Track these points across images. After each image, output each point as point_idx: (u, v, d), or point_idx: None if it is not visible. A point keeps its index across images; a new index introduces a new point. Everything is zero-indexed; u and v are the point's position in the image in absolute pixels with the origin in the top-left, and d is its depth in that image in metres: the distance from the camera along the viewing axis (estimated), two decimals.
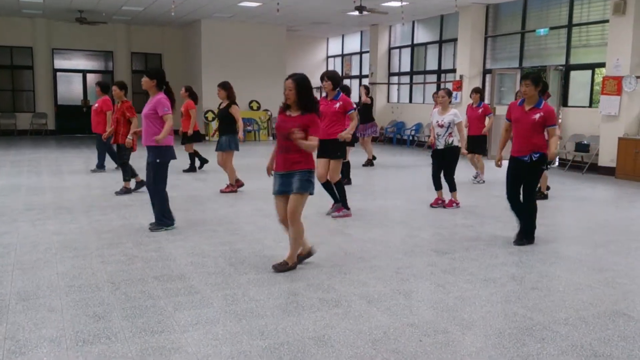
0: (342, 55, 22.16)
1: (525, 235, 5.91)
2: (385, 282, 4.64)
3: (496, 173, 8.23)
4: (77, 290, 4.29)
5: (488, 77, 15.07)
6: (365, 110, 12.25)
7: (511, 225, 6.84)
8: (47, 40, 18.62)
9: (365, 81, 20.17)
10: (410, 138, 17.36)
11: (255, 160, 11.99)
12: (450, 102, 7.81)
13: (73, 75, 19.76)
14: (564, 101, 13.11)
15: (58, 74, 19.27)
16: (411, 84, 18.50)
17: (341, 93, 7.01)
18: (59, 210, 7.18)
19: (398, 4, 14.26)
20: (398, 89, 19.25)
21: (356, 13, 14.09)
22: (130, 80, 19.22)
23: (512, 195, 5.94)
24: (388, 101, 19.30)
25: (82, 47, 19.19)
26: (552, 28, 13.30)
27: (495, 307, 4.12)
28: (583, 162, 12.07)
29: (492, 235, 6.32)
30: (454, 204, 7.82)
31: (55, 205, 7.48)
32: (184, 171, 10.68)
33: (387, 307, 4.06)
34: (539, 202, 7.79)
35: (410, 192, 9.12)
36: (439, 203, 7.86)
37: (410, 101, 18.54)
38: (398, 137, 18.01)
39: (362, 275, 4.78)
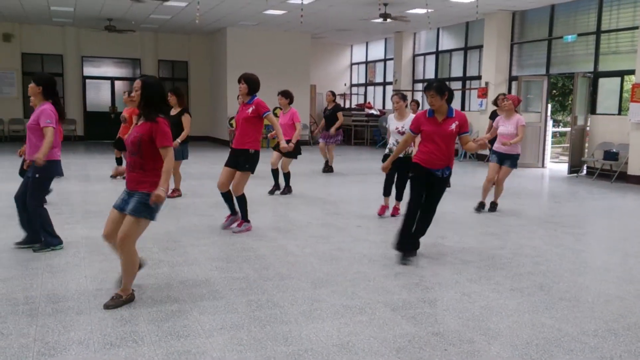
0: (366, 62, 22.17)
1: (415, 244, 5.59)
2: (410, 290, 4.61)
3: (520, 182, 8.14)
4: (105, 293, 4.35)
5: (514, 84, 14.92)
6: (332, 117, 11.95)
7: (539, 233, 6.76)
8: (77, 48, 19.01)
9: (389, 88, 20.16)
10: None
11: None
12: (406, 106, 7.45)
13: (101, 83, 20.11)
14: (592, 109, 12.90)
15: (87, 81, 19.63)
16: None
17: (256, 97, 6.39)
18: (87, 215, 7.29)
19: (423, 11, 14.23)
20: (422, 96, 19.16)
21: (380, 20, 14.10)
22: None
23: (417, 208, 5.48)
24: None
25: (110, 54, 19.53)
26: (580, 34, 13.12)
27: (522, 317, 4.06)
28: (612, 171, 11.84)
29: (518, 243, 6.23)
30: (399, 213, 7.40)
31: (83, 210, 7.61)
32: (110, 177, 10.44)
33: (412, 316, 4.03)
34: (469, 216, 7.74)
35: None
36: (385, 212, 7.57)
37: None
38: None
39: (386, 283, 4.76)
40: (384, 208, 7.60)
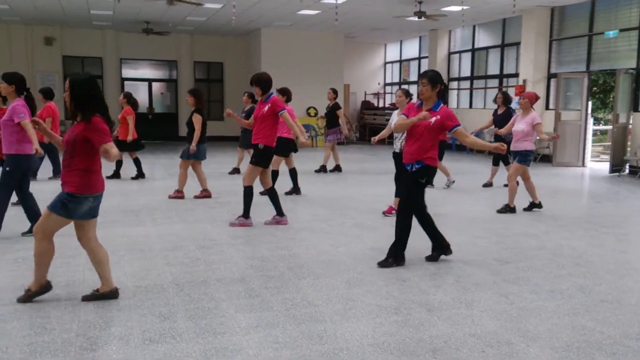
0: (400, 61, 22.02)
1: (390, 254, 5.18)
2: (446, 290, 4.56)
3: (560, 182, 7.95)
4: (144, 290, 4.44)
5: (553, 81, 14.61)
6: (331, 115, 11.76)
7: (579, 234, 6.60)
8: (116, 51, 19.45)
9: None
10: None
11: (312, 166, 12.07)
12: (408, 101, 7.07)
13: (139, 84, 20.52)
14: (634, 106, 12.53)
15: (125, 82, 20.05)
16: (471, 89, 18.17)
17: (272, 95, 6.61)
18: (125, 214, 7.45)
19: (459, 8, 14.06)
20: (458, 94, 18.94)
21: (415, 18, 13.99)
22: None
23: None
24: (447, 106, 19.01)
25: (148, 56, 19.92)
26: (621, 30, 12.75)
27: (562, 319, 3.97)
28: None
29: (558, 244, 6.10)
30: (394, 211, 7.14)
31: (121, 209, 7.77)
32: (132, 178, 10.56)
33: (448, 316, 3.99)
34: (507, 216, 7.54)
35: (469, 199, 8.94)
36: (392, 212, 7.21)
37: (471, 106, 18.22)
38: (457, 143, 17.71)
39: (421, 283, 4.72)
40: (391, 209, 7.43)
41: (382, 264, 5.15)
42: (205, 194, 8.70)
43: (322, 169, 11.84)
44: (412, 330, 3.74)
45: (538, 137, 7.88)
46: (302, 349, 3.43)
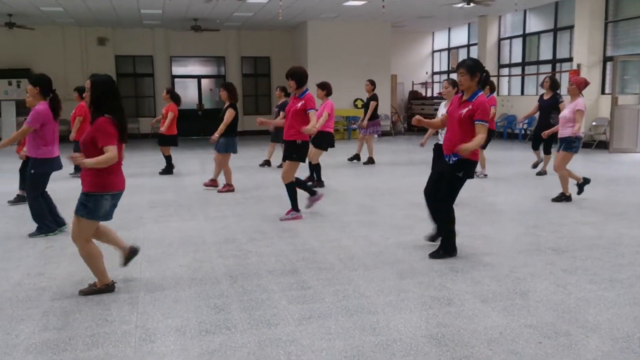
0: (449, 49, 21.63)
1: (441, 246, 5.15)
2: (500, 281, 4.48)
3: (618, 169, 7.66)
4: (199, 282, 4.54)
5: (609, 64, 14.04)
6: (368, 106, 11.48)
7: (638, 222, 6.35)
8: (166, 49, 19.87)
9: None
10: (522, 132, 16.62)
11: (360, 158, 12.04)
12: (456, 92, 6.64)
13: (189, 81, 20.93)
14: None
15: (176, 80, 20.49)
16: (523, 75, 17.68)
17: (307, 92, 6.55)
18: (179, 208, 7.63)
19: None
20: (509, 81, 18.47)
21: (464, 5, 13.70)
22: (240, 83, 20.02)
23: (427, 192, 5.26)
24: (498, 94, 18.56)
25: (196, 53, 20.27)
26: None
27: (622, 309, 3.84)
28: None
29: (617, 233, 5.89)
30: None
31: (175, 203, 7.96)
32: (160, 173, 10.70)
33: (503, 307, 3.92)
34: (562, 205, 7.27)
35: (523, 188, 8.72)
36: None
37: (522, 93, 17.74)
38: (509, 131, 17.32)
39: (474, 274, 4.65)
40: None
41: (434, 255, 5.11)
42: (212, 184, 8.87)
43: (370, 161, 11.81)
44: (466, 321, 3.69)
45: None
46: (355, 340, 3.45)
